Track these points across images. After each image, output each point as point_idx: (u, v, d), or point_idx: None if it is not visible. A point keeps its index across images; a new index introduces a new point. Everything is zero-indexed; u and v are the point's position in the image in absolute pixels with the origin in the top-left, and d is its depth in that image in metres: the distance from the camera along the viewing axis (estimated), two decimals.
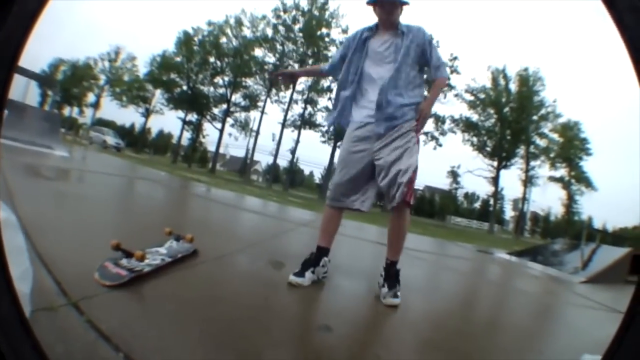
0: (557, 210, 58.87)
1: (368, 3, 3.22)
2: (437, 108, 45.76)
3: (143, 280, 2.23)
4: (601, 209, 73.32)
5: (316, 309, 2.83)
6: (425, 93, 3.36)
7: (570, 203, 52.07)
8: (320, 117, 47.47)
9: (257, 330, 2.03)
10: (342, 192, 3.21)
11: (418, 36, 3.20)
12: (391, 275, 3.12)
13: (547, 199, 76.76)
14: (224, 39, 51.57)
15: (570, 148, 46.35)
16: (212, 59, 51.81)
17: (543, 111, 46.03)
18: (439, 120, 46.18)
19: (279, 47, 48.61)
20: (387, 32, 3.25)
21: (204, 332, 1.88)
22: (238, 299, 2.46)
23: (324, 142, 47.36)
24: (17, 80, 14.54)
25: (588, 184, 48.41)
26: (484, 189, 60.51)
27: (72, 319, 1.65)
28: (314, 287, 3.05)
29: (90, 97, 62.15)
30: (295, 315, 2.55)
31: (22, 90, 15.36)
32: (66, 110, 60.85)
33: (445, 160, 67.48)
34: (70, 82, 58.80)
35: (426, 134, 45.67)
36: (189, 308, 2.13)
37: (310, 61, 47.27)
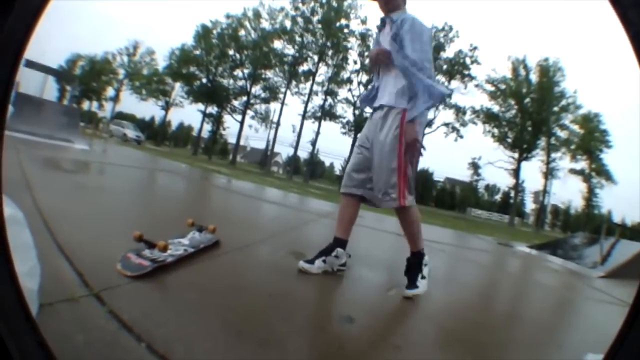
0: (578, 203, 58.32)
1: None
2: (458, 99, 45.71)
3: (166, 271, 2.24)
4: (620, 202, 72.44)
5: (338, 299, 2.83)
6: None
7: (591, 196, 51.47)
8: (340, 109, 47.53)
9: (279, 320, 2.04)
10: (354, 179, 3.15)
11: (402, 25, 3.00)
12: (411, 267, 3.07)
13: (568, 191, 76.21)
14: (242, 32, 51.72)
15: (591, 140, 45.78)
16: (231, 52, 52.03)
17: (564, 102, 45.51)
18: (460, 111, 45.93)
19: (298, 38, 48.59)
20: (387, 21, 3.17)
21: (226, 321, 1.89)
22: (260, 288, 2.47)
23: (344, 133, 47.46)
24: (34, 76, 14.80)
25: (608, 177, 47.80)
26: (504, 181, 60.23)
27: (94, 309, 1.66)
28: (335, 278, 3.06)
29: (110, 91, 62.85)
30: (318, 305, 2.56)
31: (40, 86, 15.52)
32: (85, 105, 61.63)
33: (466, 151, 67.26)
34: (88, 77, 59.40)
35: (447, 125, 45.58)
36: (211, 298, 2.14)
37: (330, 52, 47.19)
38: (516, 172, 46.77)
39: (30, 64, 13.99)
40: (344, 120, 47.04)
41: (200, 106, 54.19)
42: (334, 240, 3.15)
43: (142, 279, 2.06)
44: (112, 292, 1.83)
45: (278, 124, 50.39)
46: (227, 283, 2.45)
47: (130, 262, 2.17)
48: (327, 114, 47.37)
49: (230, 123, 58.98)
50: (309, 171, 52.11)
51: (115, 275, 2.03)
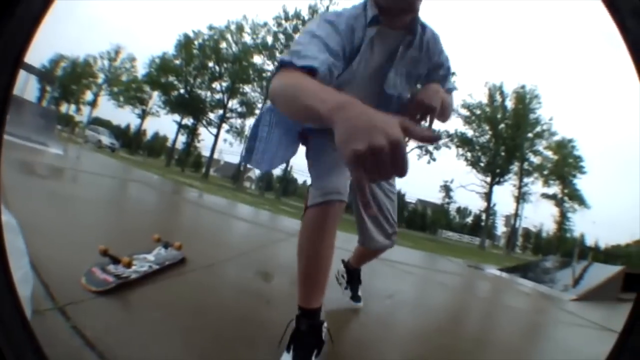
0: (549, 227, 59.30)
1: None
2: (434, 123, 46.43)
3: (129, 287, 2.22)
4: (593, 226, 73.94)
5: None
6: None
7: (563, 220, 52.36)
8: None
9: (243, 343, 2.02)
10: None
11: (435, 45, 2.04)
12: (354, 277, 3.07)
13: (540, 215, 77.57)
14: (224, 44, 51.92)
15: (565, 166, 46.63)
16: (211, 64, 52.16)
17: (538, 129, 46.39)
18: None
19: (278, 55, 48.77)
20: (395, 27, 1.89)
21: (189, 342, 1.87)
22: (225, 309, 2.45)
23: None
24: (18, 75, 14.65)
25: (581, 201, 48.71)
26: (476, 204, 61.15)
27: (59, 323, 1.64)
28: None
29: (88, 95, 62.55)
30: (283, 327, 2.50)
31: (22, 85, 15.36)
32: (63, 107, 61.37)
33: (438, 174, 68.09)
34: (69, 79, 59.30)
35: (420, 147, 46.19)
36: (174, 317, 2.12)
37: None
38: (488, 196, 47.41)
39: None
40: None
41: (177, 117, 54.11)
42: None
43: (106, 295, 2.04)
44: (77, 307, 1.82)
45: None
46: (191, 302, 2.43)
47: (94, 276, 2.15)
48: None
49: (205, 136, 59.15)
50: (281, 188, 52.05)
51: (80, 290, 2.01)
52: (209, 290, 2.82)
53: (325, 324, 1.97)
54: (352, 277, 3.06)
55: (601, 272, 8.35)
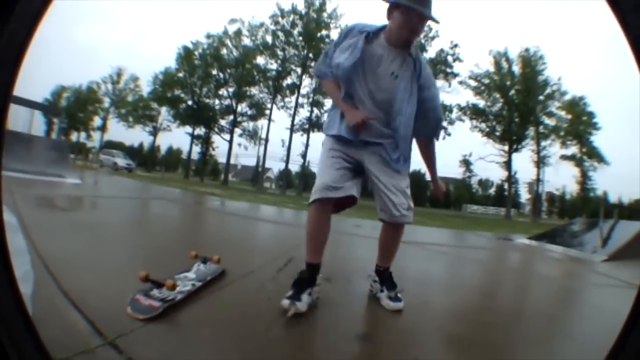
0: (572, 188, 58.53)
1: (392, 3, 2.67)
2: (443, 97, 46.16)
3: (177, 309, 2.23)
4: (615, 182, 72.74)
5: (349, 317, 2.73)
6: None
7: (584, 180, 51.63)
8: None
9: (295, 346, 2.04)
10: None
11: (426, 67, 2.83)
12: (386, 278, 3.01)
13: (561, 178, 76.63)
14: (224, 51, 51.91)
15: (579, 124, 45.92)
16: (214, 72, 52.21)
17: (548, 90, 45.69)
18: (446, 109, 46.11)
19: (279, 52, 48.71)
20: (396, 47, 2.76)
21: (244, 352, 1.90)
22: (272, 315, 2.45)
23: None
24: (21, 112, 14.80)
25: (600, 158, 47.87)
26: (497, 175, 60.34)
27: (113, 358, 1.64)
28: (343, 294, 3.09)
29: (97, 121, 63.05)
30: (330, 326, 2.49)
31: (27, 121, 15.49)
32: (74, 136, 61.84)
33: (456, 149, 67.37)
34: (74, 108, 59.74)
35: None
36: (225, 330, 2.14)
37: (312, 64, 47.43)
38: (508, 164, 46.87)
39: (17, 100, 13.92)
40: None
41: (188, 128, 54.37)
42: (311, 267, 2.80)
43: (154, 321, 2.04)
44: (127, 338, 1.82)
45: (267, 139, 50.49)
46: (239, 313, 2.43)
47: (140, 304, 2.15)
48: (314, 125, 47.40)
49: (219, 143, 59.17)
50: (301, 184, 51.97)
51: (127, 320, 2.01)
52: (253, 298, 2.82)
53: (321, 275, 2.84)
54: (384, 278, 3.02)
55: (628, 230, 8.25)
